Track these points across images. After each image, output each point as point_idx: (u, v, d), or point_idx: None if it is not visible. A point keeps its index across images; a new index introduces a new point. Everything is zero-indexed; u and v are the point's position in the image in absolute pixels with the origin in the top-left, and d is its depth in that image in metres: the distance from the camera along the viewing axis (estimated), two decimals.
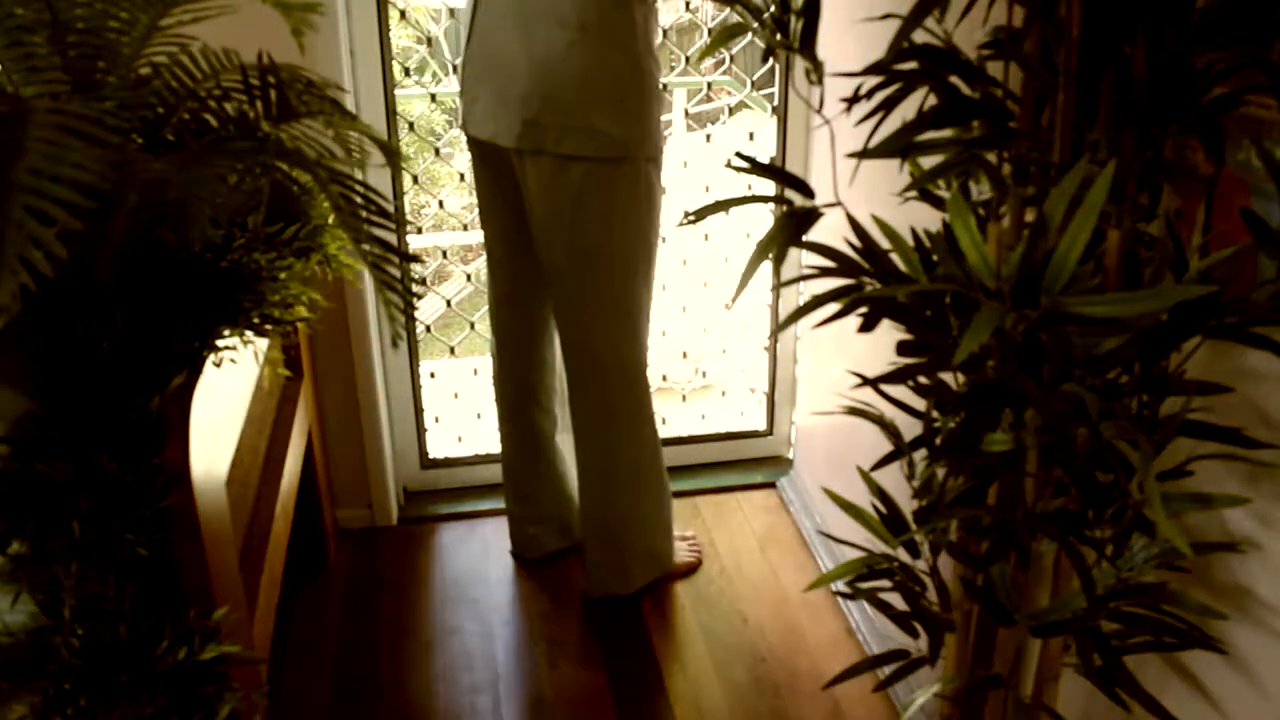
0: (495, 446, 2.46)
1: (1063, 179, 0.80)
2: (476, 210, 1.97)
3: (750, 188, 2.61)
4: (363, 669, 1.91)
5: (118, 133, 0.90)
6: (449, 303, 2.84)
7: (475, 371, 2.98)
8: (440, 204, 3.17)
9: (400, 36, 2.95)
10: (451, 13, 2.37)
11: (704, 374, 3.34)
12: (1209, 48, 0.81)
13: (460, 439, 2.53)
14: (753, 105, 2.68)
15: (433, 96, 2.61)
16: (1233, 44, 0.79)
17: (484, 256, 2.04)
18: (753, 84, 2.55)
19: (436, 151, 3.35)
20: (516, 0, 1.63)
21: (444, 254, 3.12)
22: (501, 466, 2.16)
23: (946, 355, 0.93)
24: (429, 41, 3.30)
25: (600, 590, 2.08)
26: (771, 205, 1.08)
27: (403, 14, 2.33)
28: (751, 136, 2.49)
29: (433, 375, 2.73)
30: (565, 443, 2.14)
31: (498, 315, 2.01)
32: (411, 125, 2.44)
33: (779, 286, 2.37)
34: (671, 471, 2.05)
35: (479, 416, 2.60)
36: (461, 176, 3.08)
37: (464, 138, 1.87)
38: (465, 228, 2.90)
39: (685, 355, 3.40)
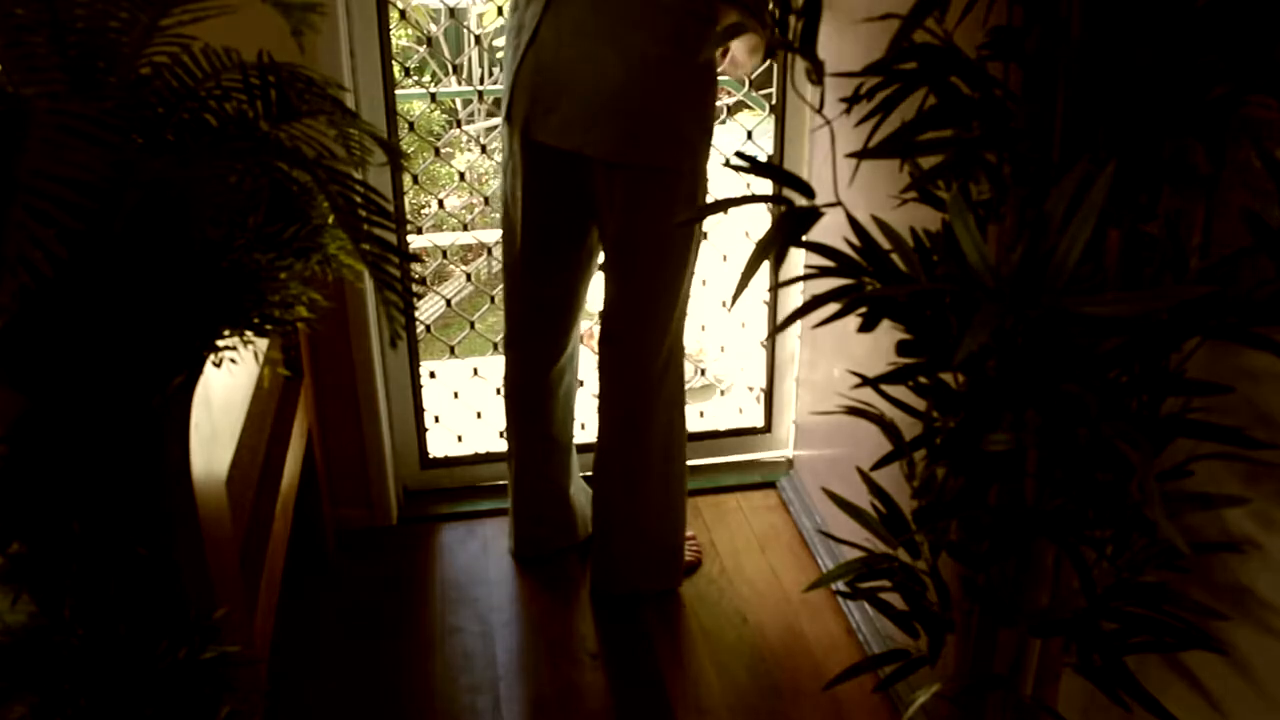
0: (495, 446, 2.47)
1: (1063, 179, 0.80)
2: (501, 212, 1.97)
3: (749, 186, 2.61)
4: (363, 669, 1.91)
5: (118, 133, 0.90)
6: (449, 302, 2.84)
7: (475, 371, 2.98)
8: (440, 204, 3.17)
9: (400, 36, 2.95)
10: (452, 12, 2.37)
11: (703, 372, 3.34)
12: (1209, 48, 0.81)
13: (460, 438, 2.53)
14: (751, 105, 2.68)
15: (433, 96, 2.61)
16: (1233, 44, 0.79)
17: (482, 257, 2.04)
18: (751, 84, 2.55)
19: (437, 151, 3.35)
20: (595, 11, 1.64)
21: (444, 254, 3.12)
22: (509, 466, 2.16)
23: (946, 355, 0.93)
24: (429, 41, 3.30)
25: (627, 586, 2.07)
26: (769, 205, 1.08)
27: (402, 14, 2.33)
28: (750, 135, 2.49)
29: (433, 375, 2.73)
30: (569, 443, 2.16)
31: (524, 317, 2.01)
32: (411, 125, 2.44)
33: (778, 286, 2.36)
34: None
35: (479, 416, 2.60)
36: (461, 175, 3.08)
37: (506, 141, 1.87)
38: (465, 227, 2.89)
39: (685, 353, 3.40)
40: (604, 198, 1.80)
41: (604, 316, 1.94)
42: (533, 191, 1.86)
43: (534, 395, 2.07)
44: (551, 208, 1.89)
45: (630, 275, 1.87)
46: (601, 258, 1.94)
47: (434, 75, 3.77)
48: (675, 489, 2.04)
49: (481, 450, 2.49)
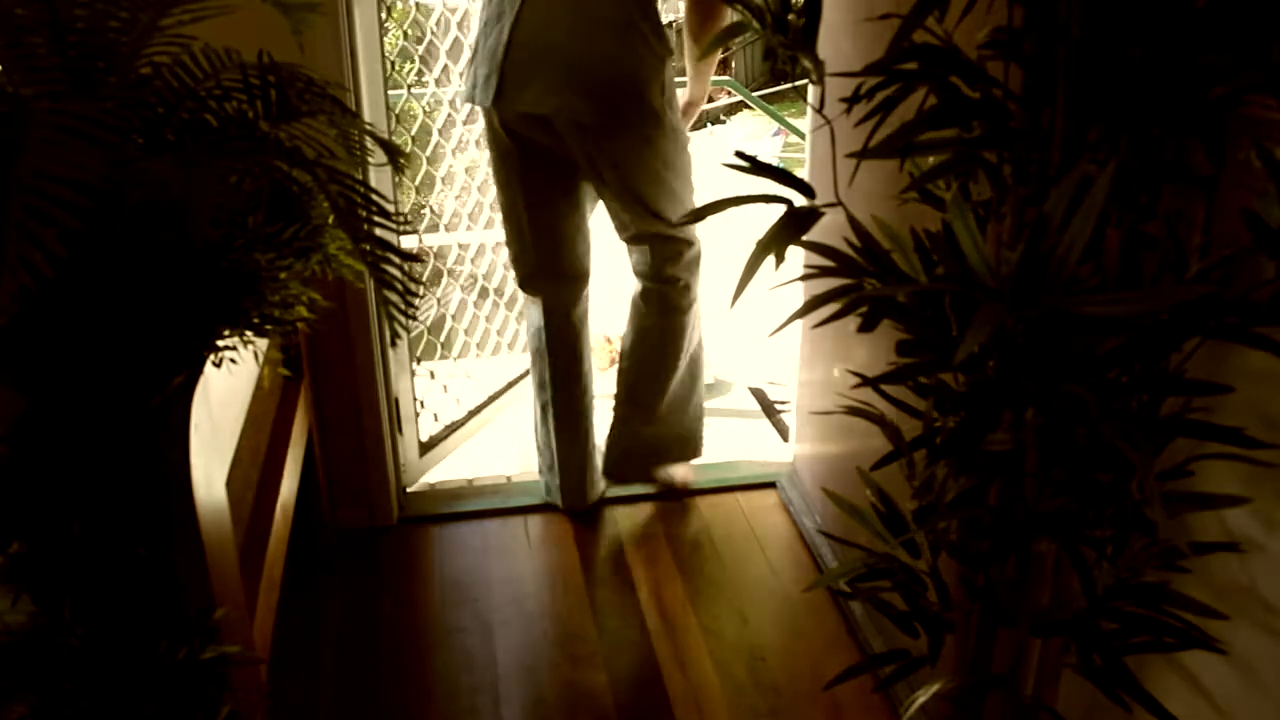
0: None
1: (1063, 179, 0.80)
2: (496, 204, 2.11)
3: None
4: (363, 669, 1.91)
5: (118, 133, 0.90)
6: (442, 302, 2.83)
7: (468, 375, 2.98)
8: (431, 210, 3.16)
9: (398, 37, 2.95)
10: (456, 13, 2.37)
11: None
12: (1209, 48, 0.81)
13: (437, 416, 2.53)
14: (753, 106, 2.68)
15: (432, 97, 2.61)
16: (1233, 44, 0.79)
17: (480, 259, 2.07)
18: (750, 84, 2.54)
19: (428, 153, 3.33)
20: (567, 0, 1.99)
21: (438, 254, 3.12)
22: (545, 421, 2.34)
23: (946, 355, 0.93)
24: (421, 41, 3.29)
25: (664, 459, 2.41)
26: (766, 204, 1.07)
27: (389, 10, 2.32)
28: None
29: (432, 375, 2.73)
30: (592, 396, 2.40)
31: (545, 288, 2.28)
32: (412, 126, 2.44)
33: (778, 287, 2.37)
34: None
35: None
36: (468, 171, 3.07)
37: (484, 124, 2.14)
38: (469, 227, 2.89)
39: None
40: (589, 156, 2.08)
41: (630, 237, 2.24)
42: (521, 168, 2.16)
43: (568, 335, 2.31)
44: (546, 175, 2.17)
45: (639, 206, 2.16)
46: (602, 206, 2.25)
47: (417, 74, 3.76)
48: (699, 382, 2.40)
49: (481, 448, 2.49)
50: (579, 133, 2.04)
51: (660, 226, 2.18)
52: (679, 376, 2.34)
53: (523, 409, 2.76)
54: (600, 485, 2.41)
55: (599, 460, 2.40)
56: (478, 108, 2.16)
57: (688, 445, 2.43)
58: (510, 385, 2.88)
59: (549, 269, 2.26)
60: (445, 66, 2.75)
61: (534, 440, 2.41)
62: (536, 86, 2.00)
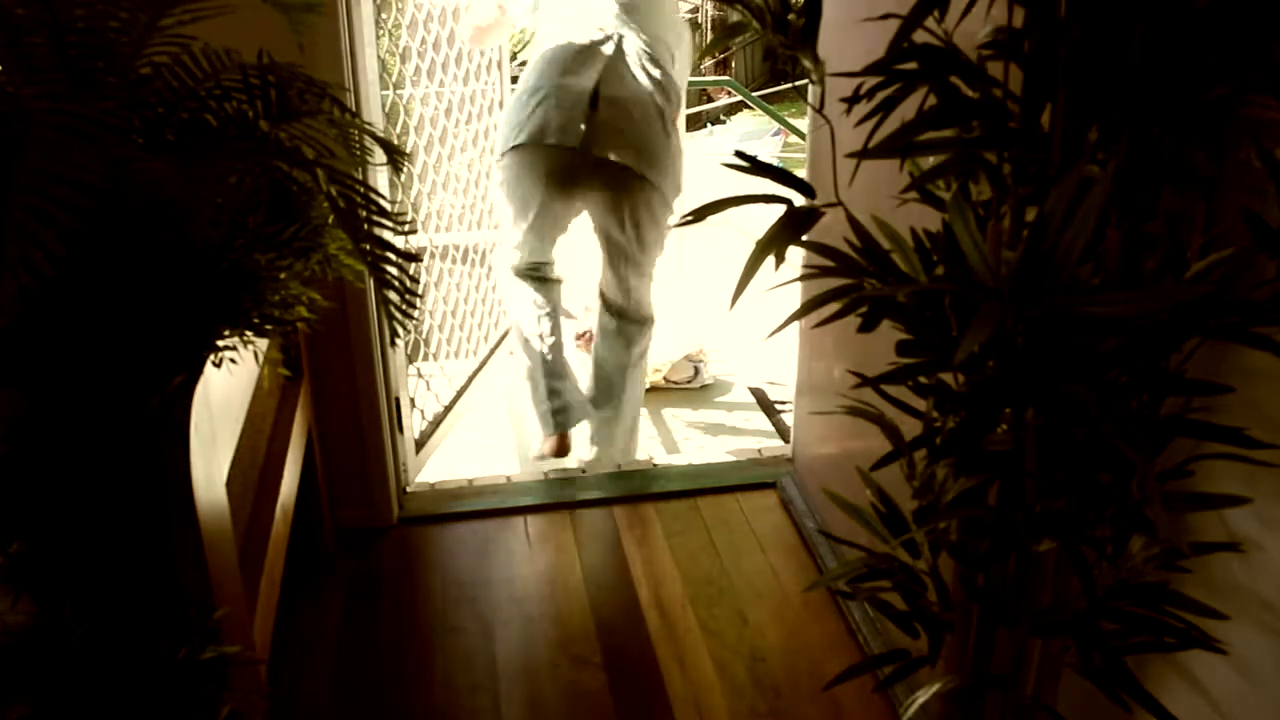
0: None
1: (1063, 179, 0.80)
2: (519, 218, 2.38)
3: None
4: (363, 669, 1.91)
5: (118, 133, 0.90)
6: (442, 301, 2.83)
7: (443, 370, 2.98)
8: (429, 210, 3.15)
9: (396, 37, 2.94)
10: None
11: (698, 371, 3.34)
12: (1209, 48, 0.81)
13: (424, 412, 2.53)
14: (753, 106, 2.68)
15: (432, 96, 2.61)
16: (1233, 44, 0.79)
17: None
18: (750, 84, 2.55)
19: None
20: (625, 91, 2.57)
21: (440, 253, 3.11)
22: (531, 357, 2.77)
23: (946, 355, 0.93)
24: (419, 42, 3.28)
25: (614, 459, 2.79)
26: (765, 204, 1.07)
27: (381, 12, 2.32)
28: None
29: (419, 374, 2.72)
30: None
31: (542, 289, 2.79)
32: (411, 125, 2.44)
33: (778, 287, 2.37)
34: (671, 471, 2.02)
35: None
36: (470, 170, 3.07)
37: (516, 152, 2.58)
38: (473, 226, 2.89)
39: (684, 352, 3.40)
40: (614, 203, 2.61)
41: (607, 297, 2.79)
42: (551, 191, 2.62)
43: (547, 269, 2.78)
44: (561, 201, 2.66)
45: (627, 256, 2.69)
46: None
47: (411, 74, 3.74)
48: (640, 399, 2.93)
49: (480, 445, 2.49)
50: (621, 180, 2.59)
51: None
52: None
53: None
54: (582, 410, 2.82)
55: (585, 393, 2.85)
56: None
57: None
58: (478, 370, 2.99)
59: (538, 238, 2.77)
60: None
61: (528, 400, 2.81)
62: (613, 141, 2.55)
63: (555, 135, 2.53)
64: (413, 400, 2.47)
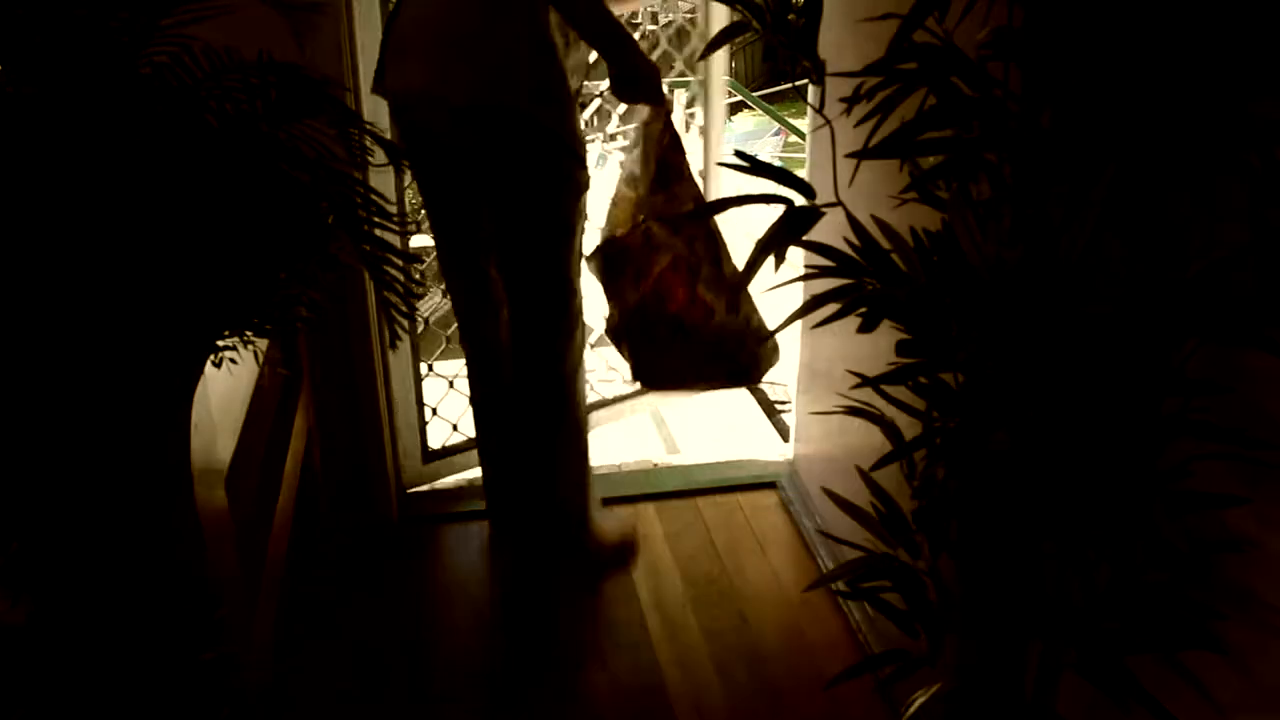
0: None
1: (1063, 179, 0.80)
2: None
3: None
4: (362, 669, 1.91)
5: (118, 133, 0.90)
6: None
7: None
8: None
9: None
10: None
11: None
12: (1210, 48, 0.81)
13: (456, 426, 2.52)
14: (753, 106, 2.68)
15: None
16: (1233, 44, 0.79)
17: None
18: (750, 84, 2.55)
19: None
20: None
21: None
22: (483, 456, 2.21)
23: (946, 355, 0.93)
24: None
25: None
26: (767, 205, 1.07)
27: None
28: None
29: (430, 368, 2.72)
30: None
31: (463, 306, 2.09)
32: None
33: (778, 287, 2.37)
34: (671, 471, 2.01)
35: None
36: None
37: None
38: None
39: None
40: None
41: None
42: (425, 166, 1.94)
43: (497, 394, 2.12)
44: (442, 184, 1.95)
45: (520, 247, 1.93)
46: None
47: None
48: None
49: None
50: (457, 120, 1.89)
51: None
52: None
53: None
54: None
55: None
56: None
57: None
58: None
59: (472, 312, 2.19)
60: None
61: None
62: (418, 64, 1.83)
63: None
64: (434, 409, 2.46)
